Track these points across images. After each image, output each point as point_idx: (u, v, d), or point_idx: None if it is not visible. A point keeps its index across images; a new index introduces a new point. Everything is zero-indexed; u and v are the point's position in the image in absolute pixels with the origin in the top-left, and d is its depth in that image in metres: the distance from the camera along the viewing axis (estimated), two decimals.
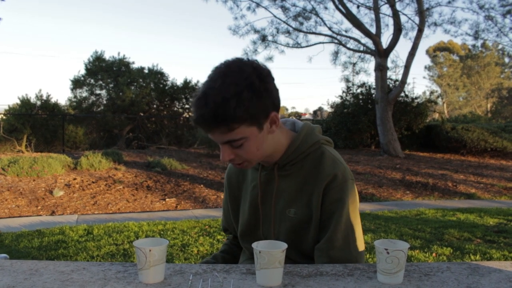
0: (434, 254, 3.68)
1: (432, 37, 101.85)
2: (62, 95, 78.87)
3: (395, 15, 11.96)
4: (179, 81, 18.54)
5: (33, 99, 14.94)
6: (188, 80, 17.40)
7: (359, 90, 14.47)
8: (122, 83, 16.53)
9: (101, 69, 17.26)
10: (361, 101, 14.15)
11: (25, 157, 8.87)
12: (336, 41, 13.62)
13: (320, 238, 1.18)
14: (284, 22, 13.49)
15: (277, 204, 1.24)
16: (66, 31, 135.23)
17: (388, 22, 23.44)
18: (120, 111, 16.41)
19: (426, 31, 13.82)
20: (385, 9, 20.84)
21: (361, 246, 1.19)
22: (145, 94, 16.90)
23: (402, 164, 10.31)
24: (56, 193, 6.57)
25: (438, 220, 5.28)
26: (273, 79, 1.12)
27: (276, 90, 1.12)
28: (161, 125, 16.86)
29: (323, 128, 13.49)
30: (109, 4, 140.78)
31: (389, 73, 13.27)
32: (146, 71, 17.64)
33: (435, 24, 13.01)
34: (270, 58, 13.96)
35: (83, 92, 17.54)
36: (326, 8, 14.23)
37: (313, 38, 29.38)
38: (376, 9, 12.39)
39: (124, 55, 19.07)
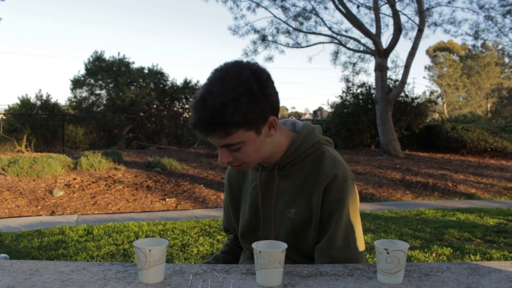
0: (434, 254, 3.68)
1: (432, 37, 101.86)
2: (62, 95, 79.08)
3: (395, 15, 11.95)
4: (179, 81, 18.56)
5: (33, 99, 14.95)
6: (188, 80, 17.41)
7: (359, 90, 14.46)
8: (122, 83, 16.53)
9: (101, 69, 17.26)
10: (361, 101, 14.14)
11: (25, 157, 8.87)
12: (336, 41, 13.61)
13: (320, 238, 1.18)
14: (284, 22, 13.50)
15: (277, 204, 1.24)
16: (66, 31, 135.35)
17: (388, 22, 23.43)
18: (120, 111, 16.41)
19: (426, 31, 13.81)
20: (385, 9, 20.84)
21: (361, 246, 1.19)
22: (145, 94, 16.90)
23: (402, 164, 10.31)
24: (56, 193, 6.57)
25: (438, 220, 5.28)
26: (272, 82, 1.12)
27: (276, 94, 1.12)
28: (161, 125, 16.86)
29: (323, 128, 13.48)
30: (109, 4, 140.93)
31: (389, 73, 13.28)
32: (146, 71, 17.64)
33: (435, 24, 13.01)
34: (270, 58, 13.97)
35: (83, 92, 17.56)
36: (326, 8, 14.20)
37: (313, 38, 29.37)
38: (376, 9, 12.39)
39: (124, 55, 19.10)
